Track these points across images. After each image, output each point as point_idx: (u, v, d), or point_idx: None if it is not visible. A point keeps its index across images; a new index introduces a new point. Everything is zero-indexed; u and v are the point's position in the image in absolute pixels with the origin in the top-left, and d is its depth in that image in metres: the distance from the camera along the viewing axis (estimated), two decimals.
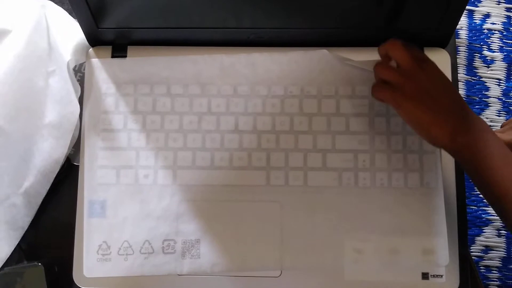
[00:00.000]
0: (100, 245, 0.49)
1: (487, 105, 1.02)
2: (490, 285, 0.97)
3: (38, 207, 0.50)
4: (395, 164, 0.50)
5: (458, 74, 0.97)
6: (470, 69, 1.03)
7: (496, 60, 1.03)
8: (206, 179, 0.50)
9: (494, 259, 0.97)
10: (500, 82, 1.02)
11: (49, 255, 0.51)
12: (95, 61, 0.52)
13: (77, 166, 0.51)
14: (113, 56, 0.52)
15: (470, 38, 1.03)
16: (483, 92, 1.02)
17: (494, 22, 1.04)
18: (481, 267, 0.97)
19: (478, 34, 1.03)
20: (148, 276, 0.49)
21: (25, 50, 0.48)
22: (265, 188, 0.50)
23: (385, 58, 0.46)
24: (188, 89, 0.51)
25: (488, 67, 1.03)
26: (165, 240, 0.49)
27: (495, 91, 1.02)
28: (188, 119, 0.51)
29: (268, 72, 0.51)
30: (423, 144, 0.50)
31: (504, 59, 1.03)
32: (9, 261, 0.50)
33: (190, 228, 0.49)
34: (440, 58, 0.50)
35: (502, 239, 0.98)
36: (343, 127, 0.50)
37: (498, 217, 0.43)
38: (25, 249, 0.51)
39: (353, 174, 0.49)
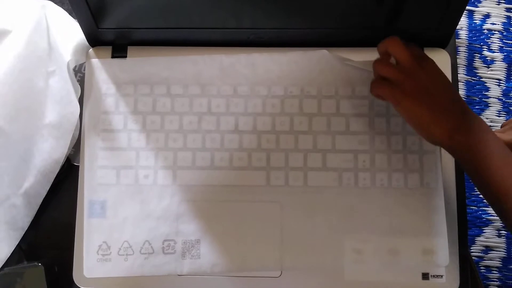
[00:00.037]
0: (100, 246, 0.49)
1: (487, 106, 1.02)
2: (490, 285, 0.97)
3: (38, 207, 0.50)
4: (395, 164, 0.50)
5: (458, 75, 0.97)
6: (470, 69, 1.03)
7: (496, 61, 1.03)
8: (206, 180, 0.50)
9: (494, 259, 0.97)
10: (500, 83, 1.02)
11: (49, 255, 0.51)
12: (95, 61, 0.52)
13: (77, 166, 0.51)
14: (113, 57, 0.52)
15: (470, 38, 1.03)
16: (483, 93, 1.02)
17: (494, 23, 1.04)
18: (481, 268, 0.97)
19: (478, 35, 1.03)
20: (148, 277, 0.49)
21: (25, 50, 0.48)
22: (265, 188, 0.50)
23: (385, 55, 0.46)
24: (188, 90, 0.51)
25: (488, 67, 1.03)
26: (165, 240, 0.49)
27: (495, 91, 1.02)
28: (188, 119, 0.51)
29: (268, 72, 0.51)
30: (423, 144, 0.50)
31: (504, 60, 1.03)
32: (9, 262, 0.50)
33: (190, 229, 0.49)
34: (440, 58, 0.50)
35: (502, 239, 0.98)
36: (343, 127, 0.50)
37: (498, 217, 0.43)
38: (25, 250, 0.51)
39: (353, 174, 0.49)
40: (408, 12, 0.47)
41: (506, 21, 1.04)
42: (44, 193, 0.50)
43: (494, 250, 0.97)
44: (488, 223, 0.98)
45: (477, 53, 1.03)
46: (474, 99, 1.02)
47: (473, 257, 0.97)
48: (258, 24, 0.49)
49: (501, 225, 0.98)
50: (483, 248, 0.97)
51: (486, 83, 1.02)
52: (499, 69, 1.03)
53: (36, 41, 0.49)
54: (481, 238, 0.98)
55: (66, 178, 0.52)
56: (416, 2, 0.45)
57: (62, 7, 0.53)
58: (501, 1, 1.04)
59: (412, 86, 0.43)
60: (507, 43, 1.03)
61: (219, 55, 0.51)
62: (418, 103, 0.42)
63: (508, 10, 1.04)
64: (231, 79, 0.51)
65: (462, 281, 0.49)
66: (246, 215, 0.49)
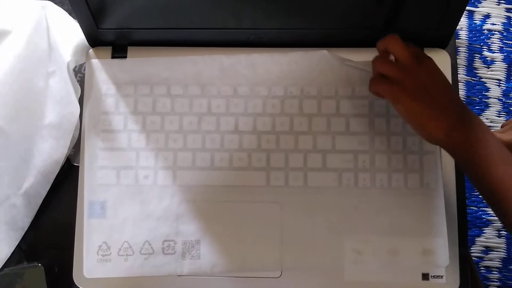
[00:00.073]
0: (100, 246, 0.49)
1: (487, 106, 1.02)
2: (490, 285, 0.97)
3: (38, 207, 0.50)
4: (395, 165, 0.50)
5: (458, 75, 0.97)
6: (470, 69, 1.03)
7: (496, 61, 1.03)
8: (206, 180, 0.50)
9: (494, 259, 0.97)
10: (500, 83, 1.02)
11: (49, 255, 0.51)
12: (95, 61, 0.52)
13: (77, 167, 0.51)
14: (113, 57, 0.52)
15: (470, 38, 1.03)
16: (483, 93, 1.02)
17: (494, 23, 1.04)
18: (481, 268, 0.97)
19: (478, 35, 1.03)
20: (148, 277, 0.49)
21: (25, 50, 0.48)
22: (265, 189, 0.50)
23: (384, 53, 0.45)
24: (188, 90, 0.51)
25: (488, 67, 1.03)
26: (165, 240, 0.49)
27: (495, 91, 1.02)
28: (188, 119, 0.51)
29: (268, 73, 0.51)
30: (423, 144, 0.50)
31: (504, 60, 1.03)
32: (9, 262, 0.50)
33: (190, 229, 0.49)
34: (440, 59, 0.50)
35: (502, 240, 0.98)
36: (343, 128, 0.50)
37: (498, 218, 0.43)
38: (25, 250, 0.51)
39: (353, 175, 0.49)
40: (408, 12, 0.47)
41: (506, 21, 1.04)
42: (44, 193, 0.50)
43: (494, 251, 0.97)
44: (488, 223, 0.98)
45: (477, 54, 1.03)
46: (474, 100, 1.02)
47: (473, 258, 0.97)
48: (258, 25, 0.49)
49: (501, 226, 0.98)
50: (483, 248, 0.97)
51: (486, 83, 1.02)
52: (499, 70, 1.03)
53: (36, 41, 0.49)
54: (481, 239, 0.98)
55: (66, 178, 0.52)
56: (416, 2, 0.46)
57: (62, 8, 0.53)
58: (501, 1, 1.04)
59: (411, 83, 0.42)
60: (507, 43, 1.03)
61: (219, 55, 0.51)
62: (416, 101, 0.42)
63: (508, 10, 1.04)
64: (231, 79, 0.51)
65: (462, 281, 0.49)
66: (246, 216, 0.49)
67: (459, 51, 1.02)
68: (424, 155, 0.50)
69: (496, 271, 0.97)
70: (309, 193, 0.49)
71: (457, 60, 0.97)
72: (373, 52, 0.47)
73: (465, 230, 0.51)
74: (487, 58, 1.03)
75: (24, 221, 0.50)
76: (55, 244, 0.51)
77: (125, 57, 0.52)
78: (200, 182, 0.50)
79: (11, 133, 0.47)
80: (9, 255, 0.50)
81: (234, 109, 0.51)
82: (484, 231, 0.98)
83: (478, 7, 1.04)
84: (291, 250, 0.49)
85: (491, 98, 1.02)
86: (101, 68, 0.52)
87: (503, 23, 1.04)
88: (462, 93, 1.02)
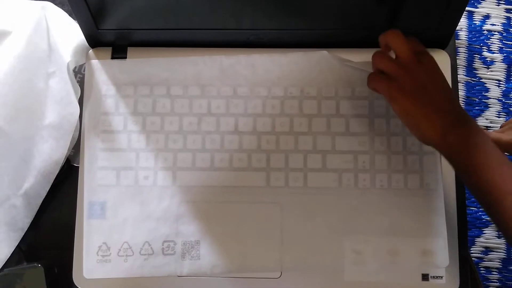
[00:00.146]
0: (100, 246, 0.49)
1: (486, 106, 1.02)
2: (490, 286, 0.97)
3: (38, 208, 0.50)
4: (395, 165, 0.50)
5: (458, 75, 0.97)
6: (470, 70, 1.03)
7: (496, 61, 1.03)
8: (206, 180, 0.50)
9: (494, 260, 0.97)
10: (500, 83, 1.02)
11: (49, 256, 0.51)
12: (95, 62, 0.52)
13: (77, 167, 0.51)
14: (113, 58, 0.52)
15: (469, 39, 1.03)
16: (483, 93, 1.02)
17: (494, 23, 1.04)
18: (481, 268, 0.97)
19: (478, 35, 1.03)
20: (148, 277, 0.49)
21: (25, 51, 0.48)
22: (265, 189, 0.50)
23: (385, 47, 0.45)
24: (188, 90, 0.51)
25: (488, 68, 1.03)
26: (165, 241, 0.49)
27: (495, 92, 1.02)
28: (188, 120, 0.51)
29: (268, 73, 0.51)
30: (423, 145, 0.50)
31: (504, 60, 1.03)
32: (9, 262, 0.50)
33: (190, 229, 0.49)
34: (440, 59, 0.50)
35: (502, 240, 0.98)
36: (343, 128, 0.50)
37: None
38: (25, 250, 0.51)
39: (353, 175, 0.49)
40: (408, 13, 0.47)
41: (506, 22, 1.04)
42: (44, 194, 0.50)
43: (494, 251, 0.97)
44: (488, 224, 0.98)
45: (477, 54, 1.03)
46: (473, 100, 1.02)
47: (473, 258, 0.97)
48: (258, 25, 0.49)
49: None
50: (483, 249, 0.97)
51: (486, 84, 1.02)
52: (499, 70, 1.02)
53: (36, 42, 0.49)
54: (481, 239, 0.98)
55: (66, 179, 0.52)
56: (416, 3, 0.46)
57: (62, 8, 0.53)
58: (500, 2, 1.04)
59: (409, 82, 0.42)
60: (507, 44, 1.03)
61: (219, 56, 0.51)
62: (413, 101, 0.42)
63: (508, 11, 1.04)
64: (231, 80, 0.51)
65: (462, 282, 0.49)
66: (246, 216, 0.49)
67: (459, 52, 1.02)
68: (424, 155, 0.50)
69: (496, 271, 0.97)
70: (309, 193, 0.49)
71: (457, 61, 0.98)
72: (372, 53, 0.47)
73: (465, 230, 0.51)
74: (487, 59, 1.03)
75: (24, 221, 0.50)
76: (55, 245, 0.51)
77: (125, 57, 0.52)
78: (200, 182, 0.50)
79: (11, 133, 0.47)
80: (9, 255, 0.49)
81: (234, 110, 0.51)
82: (484, 232, 0.98)
83: (478, 8, 1.04)
84: (291, 250, 0.49)
85: (490, 98, 1.02)
86: (101, 69, 0.52)
87: (503, 24, 1.04)
88: (461, 93, 1.02)
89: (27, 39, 0.48)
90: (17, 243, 0.50)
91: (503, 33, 1.04)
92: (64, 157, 0.50)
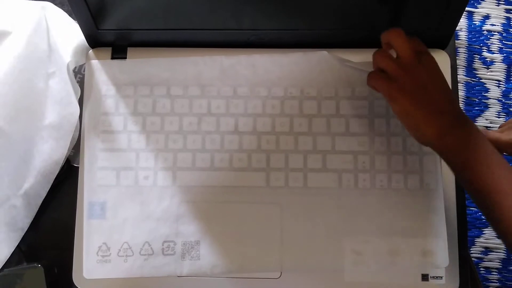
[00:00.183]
0: (100, 247, 0.49)
1: (486, 107, 1.02)
2: (490, 286, 0.97)
3: (38, 208, 0.50)
4: (395, 166, 0.50)
5: (458, 76, 0.97)
6: (470, 70, 1.03)
7: (495, 62, 1.03)
8: (206, 181, 0.50)
9: (494, 260, 0.97)
10: (500, 84, 1.02)
11: (48, 256, 0.51)
12: (95, 62, 0.52)
13: (77, 168, 0.51)
14: (113, 58, 0.52)
15: (469, 39, 1.03)
16: (483, 94, 1.02)
17: (494, 24, 1.04)
18: (481, 269, 0.97)
19: (477, 36, 1.03)
20: (148, 278, 0.49)
21: (25, 51, 0.48)
22: (265, 190, 0.50)
23: (386, 45, 0.45)
24: (188, 91, 0.51)
25: (488, 68, 1.03)
26: (165, 241, 0.49)
27: (494, 92, 1.02)
28: (188, 120, 0.51)
29: (268, 74, 0.51)
30: (423, 145, 0.50)
31: (503, 61, 1.03)
32: (8, 263, 0.49)
33: (190, 230, 0.49)
34: (439, 60, 0.50)
35: None
36: (343, 129, 0.50)
37: None
38: (24, 251, 0.51)
39: (353, 176, 0.49)
40: (408, 13, 0.47)
41: (505, 22, 1.04)
42: (44, 194, 0.50)
43: (493, 252, 0.97)
44: (488, 224, 0.98)
45: (477, 54, 1.03)
46: (473, 100, 1.02)
47: (472, 258, 0.97)
48: (258, 25, 0.49)
49: None
50: (483, 249, 0.97)
51: (486, 84, 1.02)
52: (498, 70, 1.03)
53: (36, 42, 0.49)
54: (480, 239, 0.98)
55: (66, 179, 0.52)
56: (416, 3, 0.46)
57: (62, 8, 0.53)
58: (500, 2, 1.04)
59: (409, 83, 0.42)
60: (507, 44, 1.03)
61: (219, 56, 0.51)
62: (412, 101, 0.42)
63: (507, 11, 1.04)
64: (231, 80, 0.51)
65: (461, 282, 0.49)
66: (246, 216, 0.49)
67: (459, 52, 1.02)
68: (424, 156, 0.50)
69: (495, 272, 0.97)
70: (309, 193, 0.49)
71: (457, 61, 0.98)
72: (372, 53, 0.47)
73: (465, 230, 0.51)
74: (487, 59, 1.03)
75: (24, 221, 0.50)
76: (55, 245, 0.51)
77: (125, 58, 0.52)
78: (200, 182, 0.50)
79: (11, 133, 0.47)
80: (9, 256, 0.49)
81: (234, 110, 0.51)
82: (483, 232, 0.98)
83: (478, 8, 1.04)
84: (291, 250, 0.49)
85: (490, 98, 1.02)
86: (101, 69, 0.52)
87: (503, 24, 1.04)
88: (461, 93, 1.02)
89: (27, 39, 0.48)
90: (17, 244, 0.50)
91: (503, 33, 1.04)
92: (64, 157, 0.50)
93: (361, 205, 0.49)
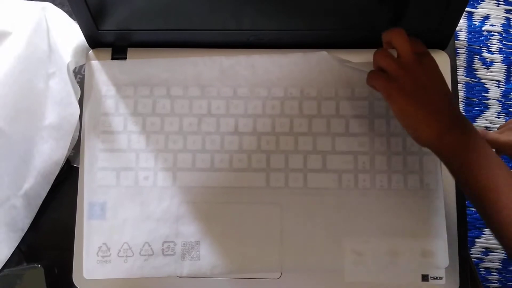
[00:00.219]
0: (100, 247, 0.49)
1: (486, 107, 1.02)
2: (490, 287, 0.97)
3: (38, 208, 0.50)
4: (395, 166, 0.50)
5: (458, 76, 0.97)
6: (470, 71, 1.03)
7: (495, 62, 1.03)
8: (206, 181, 0.50)
9: (494, 261, 0.97)
10: (500, 84, 1.02)
11: (49, 257, 0.51)
12: (95, 63, 0.52)
13: (77, 168, 0.51)
14: (113, 58, 0.52)
15: (469, 40, 1.03)
16: (483, 94, 1.02)
17: (494, 24, 1.04)
18: (481, 269, 0.97)
19: (477, 36, 1.03)
20: (148, 278, 0.49)
21: (25, 51, 0.48)
22: (265, 190, 0.50)
23: (387, 45, 0.45)
24: (188, 91, 0.51)
25: (488, 69, 1.03)
26: (165, 242, 0.49)
27: (494, 92, 1.02)
28: (188, 121, 0.51)
29: (268, 74, 0.51)
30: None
31: (503, 61, 1.03)
32: (8, 263, 0.49)
33: (190, 230, 0.49)
34: (439, 60, 0.50)
35: None
36: (343, 129, 0.50)
37: None
38: (24, 251, 0.51)
39: (353, 176, 0.49)
40: (408, 14, 0.47)
41: (505, 22, 1.04)
42: (44, 194, 0.50)
43: (494, 252, 0.97)
44: None
45: (477, 55, 1.03)
46: (473, 101, 1.02)
47: (472, 259, 0.97)
48: (258, 26, 0.49)
49: None
50: (483, 249, 0.97)
51: (486, 84, 1.02)
52: (498, 71, 1.03)
53: (36, 42, 0.49)
54: (481, 240, 0.98)
55: (66, 179, 0.52)
56: (416, 4, 0.46)
57: (62, 9, 0.53)
58: (500, 2, 1.04)
59: (409, 83, 0.42)
60: (507, 44, 1.03)
61: (219, 56, 0.51)
62: (411, 102, 0.42)
63: (507, 11, 1.04)
64: (231, 80, 0.51)
65: (461, 282, 0.49)
66: (246, 217, 0.49)
67: (459, 52, 1.02)
68: (424, 156, 0.50)
69: (495, 272, 0.97)
70: (309, 194, 0.49)
71: (457, 61, 0.97)
72: (372, 53, 0.47)
73: (465, 231, 0.51)
74: (487, 59, 1.03)
75: (24, 222, 0.50)
76: (55, 245, 0.51)
77: (125, 58, 0.52)
78: (200, 183, 0.50)
79: (11, 134, 0.47)
80: (9, 256, 0.49)
81: (234, 110, 0.51)
82: (483, 232, 0.98)
83: (478, 8, 1.04)
84: (291, 251, 0.49)
85: (490, 99, 1.02)
86: (101, 70, 0.52)
87: (503, 24, 1.04)
88: (461, 94, 1.02)
89: (27, 40, 0.48)
90: (17, 244, 0.50)
91: (502, 34, 1.04)
92: (64, 157, 0.50)
93: (361, 205, 0.49)
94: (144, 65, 0.52)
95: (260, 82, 0.51)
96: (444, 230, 0.48)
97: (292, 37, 0.51)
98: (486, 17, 1.04)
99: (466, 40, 1.04)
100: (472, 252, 0.97)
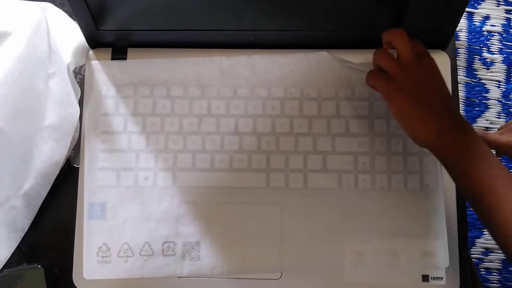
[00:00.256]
0: (100, 247, 0.49)
1: (486, 107, 1.02)
2: (490, 287, 0.97)
3: (38, 209, 0.50)
4: (395, 166, 0.50)
5: (458, 76, 0.97)
6: (470, 71, 1.03)
7: (495, 62, 1.03)
8: (206, 181, 0.50)
9: (494, 261, 0.97)
10: (500, 84, 1.02)
11: (49, 257, 0.51)
12: (95, 63, 0.52)
13: (77, 168, 0.51)
14: (113, 58, 0.52)
15: (469, 40, 1.03)
16: (483, 94, 1.02)
17: (494, 24, 1.04)
18: (481, 269, 0.97)
19: (477, 36, 1.03)
20: (148, 278, 0.49)
21: (25, 52, 0.48)
22: (265, 190, 0.50)
23: (387, 45, 0.45)
24: (188, 91, 0.51)
25: (488, 69, 1.03)
26: (165, 242, 0.49)
27: (494, 93, 1.02)
28: (188, 121, 0.51)
29: (268, 74, 0.51)
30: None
31: (503, 61, 1.03)
32: (9, 263, 0.49)
33: (190, 230, 0.49)
34: (440, 60, 0.50)
35: None
36: (343, 129, 0.50)
37: None
38: (25, 251, 0.51)
39: (353, 176, 0.49)
40: (408, 14, 0.47)
41: (505, 22, 1.04)
42: (44, 194, 0.50)
43: (494, 252, 0.97)
44: None
45: (477, 55, 1.03)
46: (473, 101, 1.02)
47: (473, 259, 0.97)
48: (258, 26, 0.49)
49: None
50: (483, 250, 0.97)
51: (486, 84, 1.02)
52: (498, 71, 1.03)
53: (36, 43, 0.49)
54: (481, 240, 0.98)
55: (66, 179, 0.52)
56: (416, 4, 0.46)
57: (62, 9, 0.53)
58: (500, 2, 1.04)
59: (408, 83, 0.42)
60: (507, 44, 1.03)
61: (219, 57, 0.51)
62: (410, 102, 0.42)
63: (507, 12, 1.04)
64: (231, 81, 0.51)
65: (462, 283, 0.49)
66: (246, 217, 0.49)
67: (459, 53, 1.02)
68: (424, 156, 0.50)
69: (496, 272, 0.97)
70: (309, 194, 0.49)
71: (457, 62, 0.98)
72: (372, 54, 0.47)
73: (465, 231, 0.51)
74: (487, 60, 1.03)
75: (24, 222, 0.50)
76: (55, 246, 0.51)
77: (125, 58, 0.52)
78: (200, 183, 0.50)
79: (11, 134, 0.47)
80: (9, 256, 0.49)
81: (234, 111, 0.51)
82: (484, 233, 0.98)
83: (478, 9, 1.04)
84: (291, 251, 0.49)
85: (490, 99, 1.02)
86: (101, 70, 0.52)
87: (503, 25, 1.04)
88: (461, 94, 1.02)
89: (27, 40, 0.48)
90: (17, 244, 0.50)
91: (503, 34, 1.04)
92: (64, 158, 0.50)
93: (361, 206, 0.49)
94: (144, 65, 0.52)
95: (260, 82, 0.51)
96: (445, 230, 0.48)
97: (292, 37, 0.51)
98: (486, 17, 1.04)
99: (466, 40, 1.04)
100: (472, 252, 0.97)
